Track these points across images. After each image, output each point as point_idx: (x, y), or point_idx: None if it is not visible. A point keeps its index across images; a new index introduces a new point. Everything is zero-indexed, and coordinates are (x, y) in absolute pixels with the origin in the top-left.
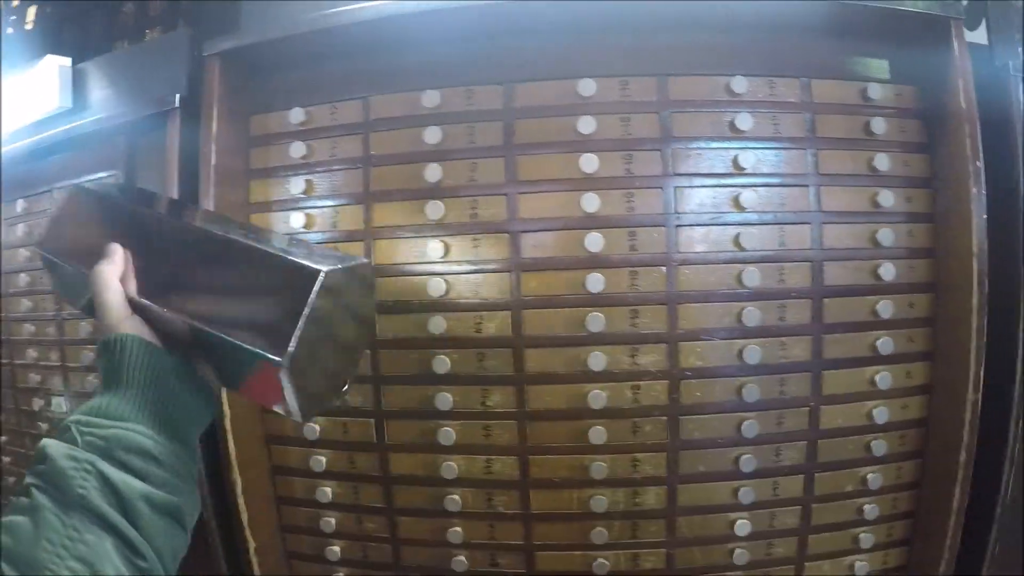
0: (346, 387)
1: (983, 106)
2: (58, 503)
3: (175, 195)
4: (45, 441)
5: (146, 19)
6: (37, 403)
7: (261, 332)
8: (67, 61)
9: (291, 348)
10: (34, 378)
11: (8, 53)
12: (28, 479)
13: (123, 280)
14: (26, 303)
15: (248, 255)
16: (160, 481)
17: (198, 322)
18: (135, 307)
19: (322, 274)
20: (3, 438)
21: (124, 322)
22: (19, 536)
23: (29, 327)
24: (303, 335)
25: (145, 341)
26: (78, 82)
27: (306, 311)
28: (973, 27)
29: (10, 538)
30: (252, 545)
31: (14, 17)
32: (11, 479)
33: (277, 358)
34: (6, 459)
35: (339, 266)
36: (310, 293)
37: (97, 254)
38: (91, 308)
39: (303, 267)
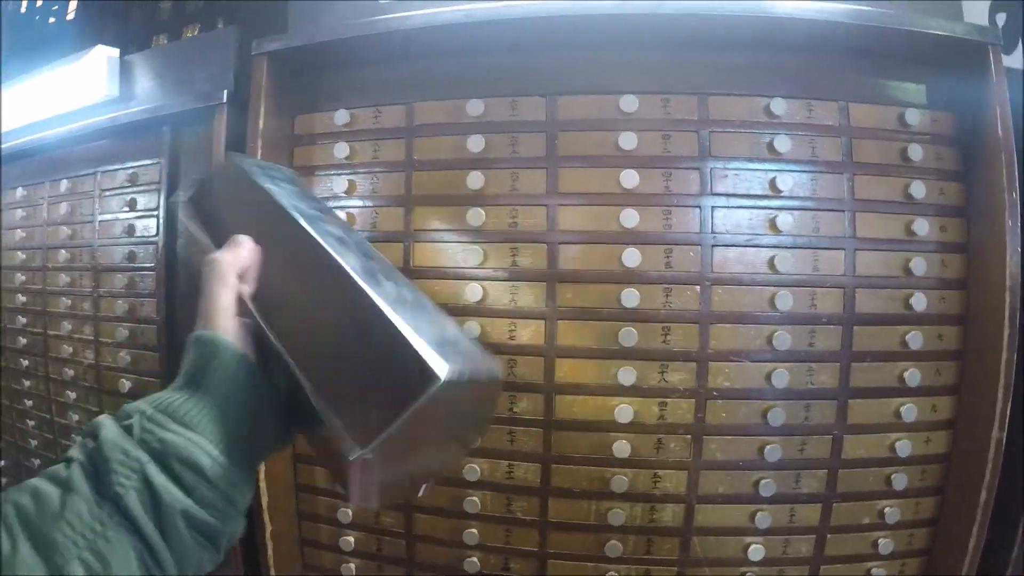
0: (423, 489)
1: (1020, 134)
2: (93, 490)
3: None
4: (102, 419)
5: (184, 16)
6: (68, 373)
7: (351, 409)
8: (115, 52)
9: (373, 445)
10: (67, 349)
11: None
12: (73, 451)
13: (242, 276)
14: (64, 278)
15: (373, 315)
16: (207, 502)
17: (295, 362)
18: (243, 310)
19: (441, 381)
20: (3, 462)
21: (226, 323)
22: (43, 506)
23: (65, 300)
24: (392, 436)
25: (241, 354)
26: (125, 73)
27: (406, 415)
28: (1009, 51)
29: (33, 504)
30: (268, 529)
31: (56, 7)
32: (33, 442)
33: (354, 448)
34: (30, 423)
35: (465, 373)
36: (420, 396)
37: (230, 236)
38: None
39: (424, 362)
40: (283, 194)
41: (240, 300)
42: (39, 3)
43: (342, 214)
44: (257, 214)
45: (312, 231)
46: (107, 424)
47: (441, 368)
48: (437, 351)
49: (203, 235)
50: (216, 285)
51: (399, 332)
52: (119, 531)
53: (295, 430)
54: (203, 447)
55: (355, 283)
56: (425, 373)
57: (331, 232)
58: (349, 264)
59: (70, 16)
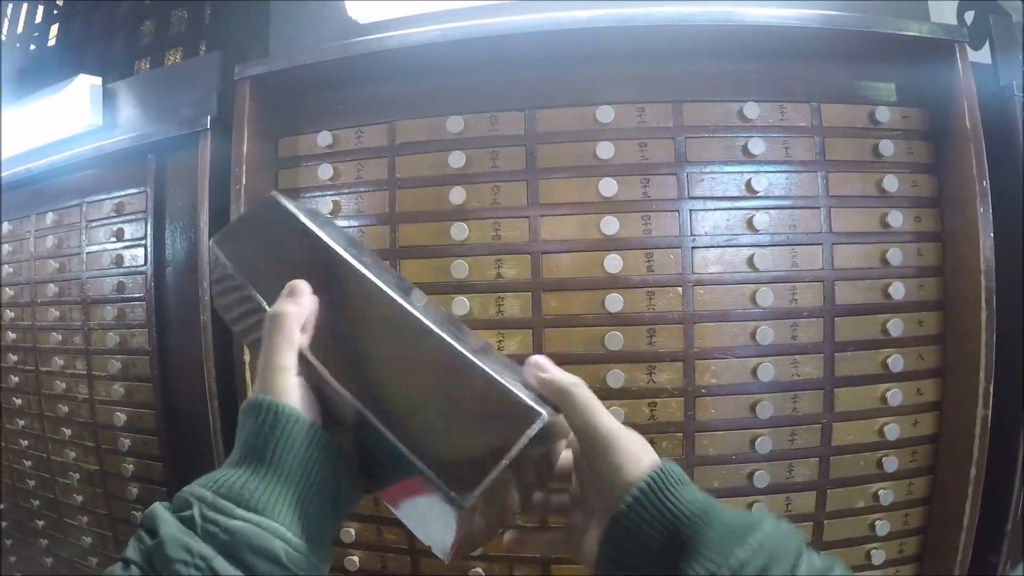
0: (501, 531)
1: (988, 126)
2: None
3: (206, 214)
4: (158, 510)
5: (167, 39)
6: (62, 409)
7: (447, 458)
8: (98, 80)
9: (479, 490)
10: (60, 385)
11: (32, 69)
12: (130, 551)
13: (302, 329)
14: (53, 312)
15: (460, 363)
16: None
17: (372, 413)
18: (303, 364)
19: (542, 418)
20: (1, 505)
21: (288, 385)
22: None
23: (56, 335)
24: (496, 480)
25: (308, 421)
26: (108, 101)
27: (511, 454)
28: (977, 47)
29: None
30: None
31: (36, 34)
32: (31, 482)
33: (458, 499)
34: (27, 463)
35: (554, 413)
36: (522, 435)
37: (275, 280)
38: (249, 336)
39: (525, 403)
40: (328, 234)
41: (301, 352)
42: (20, 30)
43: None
44: (305, 256)
45: (375, 278)
46: (165, 517)
47: (540, 408)
48: (528, 397)
49: (241, 279)
50: (281, 341)
51: (493, 378)
52: None
53: (368, 490)
54: (277, 532)
55: (437, 334)
56: (526, 413)
57: (390, 280)
58: (420, 312)
59: (51, 42)
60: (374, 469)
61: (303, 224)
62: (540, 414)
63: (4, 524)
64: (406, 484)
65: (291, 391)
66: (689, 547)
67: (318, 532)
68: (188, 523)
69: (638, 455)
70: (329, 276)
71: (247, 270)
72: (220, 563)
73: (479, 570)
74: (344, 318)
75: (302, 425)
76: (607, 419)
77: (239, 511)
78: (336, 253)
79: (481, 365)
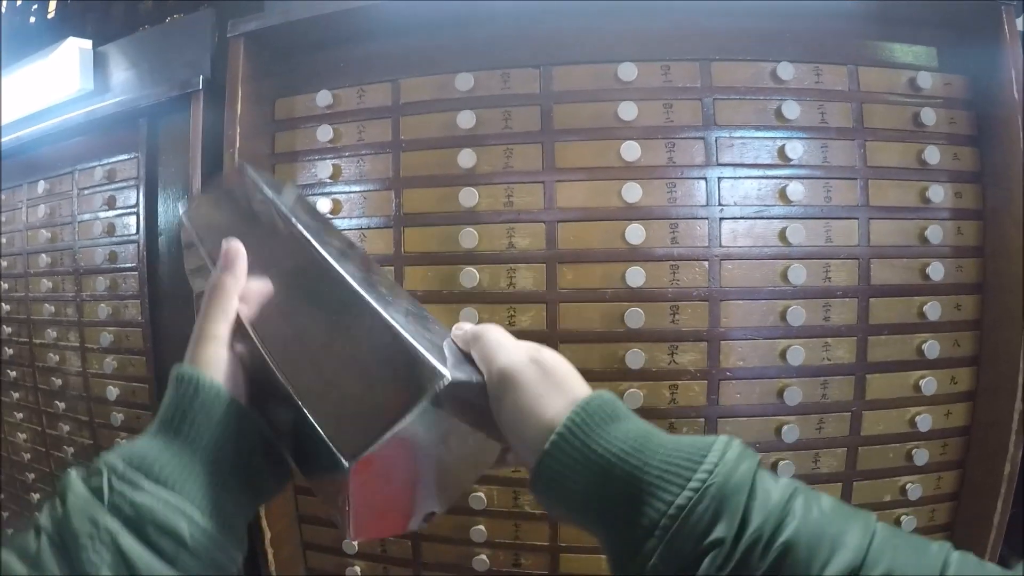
0: (423, 521)
1: None
2: (65, 568)
3: (199, 180)
4: (71, 477)
5: (166, 7)
6: (55, 382)
7: (345, 420)
8: (88, 43)
9: (366, 453)
10: (53, 357)
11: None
12: (43, 519)
13: (242, 298)
14: (46, 283)
15: (372, 322)
16: (191, 571)
17: (291, 384)
18: (238, 334)
19: (443, 380)
20: (5, 513)
21: (215, 355)
22: None
23: (49, 307)
24: (388, 445)
25: (226, 393)
26: (99, 65)
27: (404, 420)
28: (1022, 13)
29: None
30: (268, 535)
31: (36, 7)
32: (27, 455)
33: (344, 460)
34: (22, 435)
35: (474, 378)
36: (420, 398)
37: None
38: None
39: (427, 362)
40: (287, 205)
41: (239, 325)
42: (19, 2)
43: (328, 201)
44: (262, 228)
45: (313, 240)
46: (75, 486)
47: (445, 368)
48: (441, 355)
49: (202, 248)
50: (213, 310)
51: (400, 336)
52: None
53: (295, 471)
54: (182, 509)
55: (353, 289)
56: (427, 374)
57: (334, 244)
58: (348, 272)
59: (50, 15)
60: (303, 454)
61: (257, 188)
62: (443, 376)
63: (2, 496)
64: (322, 463)
65: (217, 363)
66: (628, 493)
67: (230, 514)
68: (97, 493)
69: (553, 395)
70: (275, 241)
71: (209, 239)
72: (125, 539)
73: (484, 557)
74: (280, 284)
75: (221, 399)
76: (515, 356)
77: (147, 483)
78: (283, 215)
79: (392, 323)
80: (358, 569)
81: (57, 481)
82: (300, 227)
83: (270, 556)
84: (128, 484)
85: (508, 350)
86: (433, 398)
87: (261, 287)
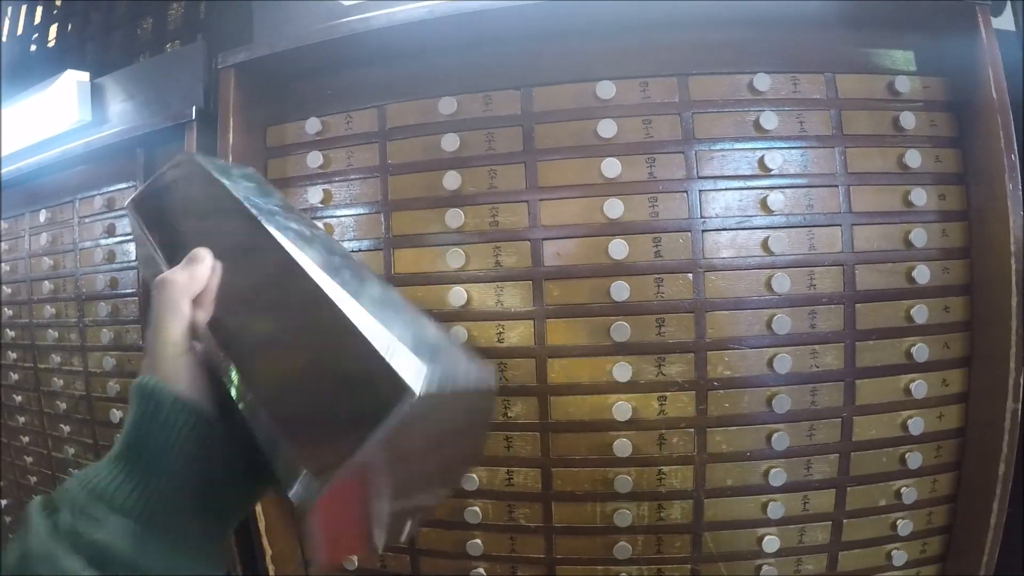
0: (406, 530)
1: (1015, 95)
2: None
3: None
4: (30, 513)
5: (165, 33)
6: (60, 406)
7: (307, 439)
8: (85, 76)
9: (325, 484)
10: (57, 382)
11: (32, 70)
12: (8, 553)
13: (198, 300)
14: (49, 309)
15: (334, 318)
16: None
17: (255, 393)
18: (199, 337)
19: (415, 397)
20: (4, 502)
21: (173, 364)
22: None
23: (52, 333)
24: (353, 469)
25: (189, 407)
26: (97, 96)
27: (365, 445)
28: (999, 12)
29: None
30: (269, 553)
31: (36, 35)
32: (33, 479)
33: (302, 488)
34: (28, 459)
35: (447, 384)
36: (386, 418)
37: (181, 242)
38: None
39: (395, 375)
40: (239, 188)
41: (195, 328)
42: (19, 31)
43: (320, 225)
44: (212, 215)
45: (268, 225)
46: (34, 524)
47: (416, 380)
48: (411, 359)
49: (152, 242)
50: (165, 313)
51: (364, 338)
52: None
53: (267, 485)
54: (147, 542)
55: (311, 279)
56: (396, 388)
57: (292, 228)
58: (310, 257)
59: (50, 43)
60: (268, 466)
61: (207, 175)
62: (411, 393)
63: (7, 520)
64: (283, 483)
65: (177, 373)
66: None
67: (199, 539)
68: (57, 529)
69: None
70: (229, 230)
71: (158, 232)
72: None
73: (481, 571)
74: (240, 279)
75: (182, 412)
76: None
77: (112, 519)
78: (234, 200)
79: (360, 319)
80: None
81: (21, 514)
82: (252, 210)
83: (272, 575)
84: (88, 518)
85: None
86: (406, 413)
87: (214, 282)
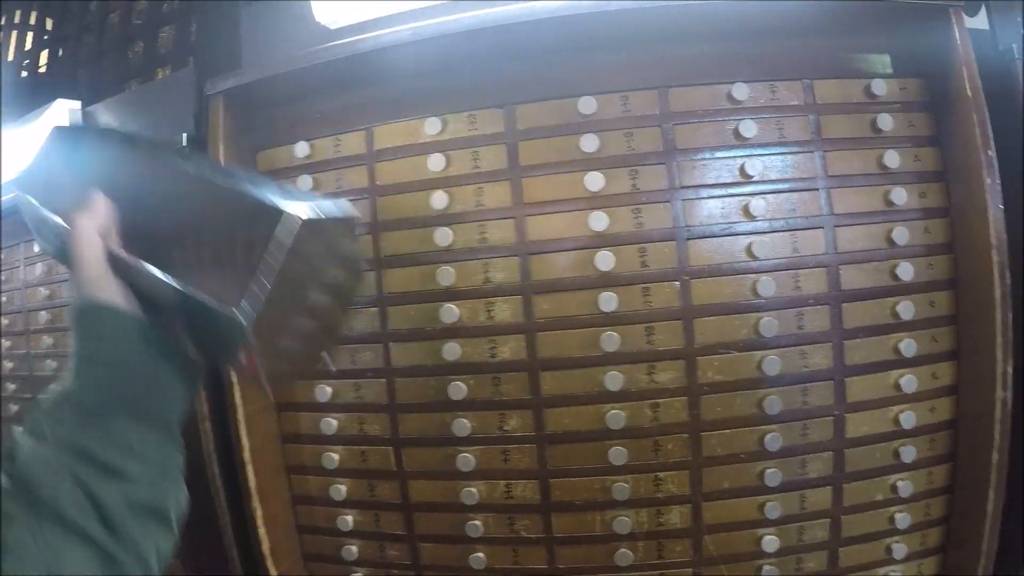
0: (328, 359)
1: (990, 93)
2: (30, 512)
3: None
4: (16, 434)
5: (156, 58)
6: None
7: (227, 287)
8: (76, 104)
9: (251, 300)
10: None
11: (23, 96)
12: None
13: (104, 234)
14: (47, 340)
15: (220, 195)
16: (142, 479)
17: (174, 278)
18: (116, 265)
19: (300, 220)
20: None
21: (102, 284)
22: None
23: (51, 363)
24: (264, 287)
25: (125, 312)
26: (88, 124)
27: (271, 259)
28: (973, 13)
29: None
30: (266, 545)
31: (27, 61)
32: None
33: (242, 318)
34: None
35: (320, 211)
36: (282, 239)
37: (74, 195)
38: (66, 258)
39: (276, 210)
40: (122, 129)
41: (111, 253)
42: (10, 57)
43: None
44: (99, 163)
45: (151, 149)
46: (21, 438)
47: (294, 210)
48: (285, 202)
49: (50, 213)
50: (82, 248)
51: (247, 195)
52: (70, 545)
53: (210, 360)
54: (118, 426)
55: (200, 177)
56: (280, 216)
57: (173, 151)
58: (191, 166)
59: (41, 69)
60: (206, 339)
61: (86, 137)
62: (295, 219)
63: None
64: (228, 340)
65: (105, 289)
66: None
67: (164, 420)
68: (39, 435)
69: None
70: (120, 176)
71: (50, 201)
72: (78, 468)
73: (481, 555)
74: (138, 205)
75: (122, 319)
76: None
77: (81, 416)
78: (118, 152)
79: (234, 186)
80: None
81: (6, 444)
82: (139, 140)
83: (271, 568)
84: (64, 421)
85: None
86: (293, 232)
87: (119, 214)
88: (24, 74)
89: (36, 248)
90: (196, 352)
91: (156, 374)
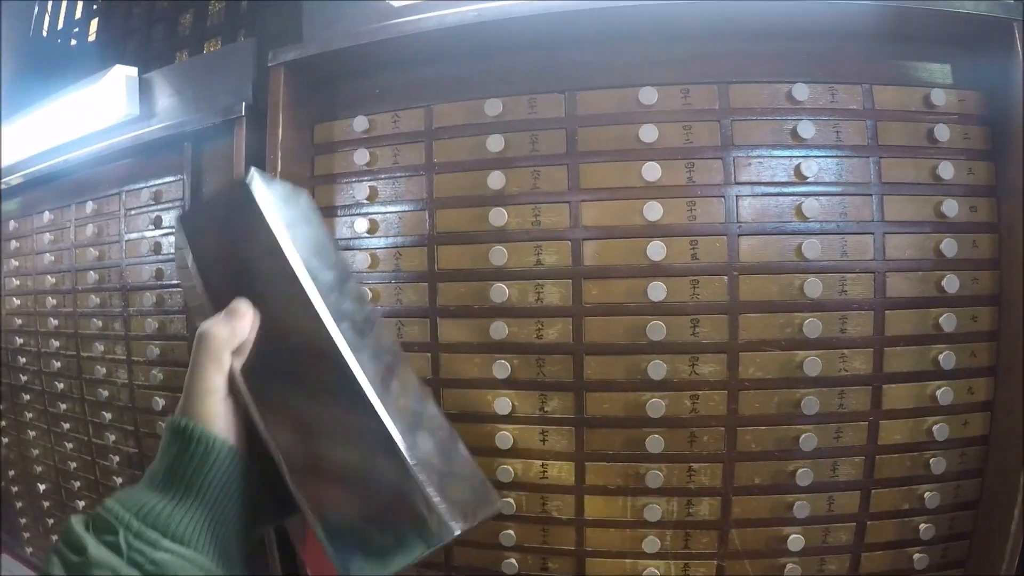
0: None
1: None
2: None
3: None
4: (79, 530)
5: (204, 29)
6: (102, 393)
7: (347, 537)
8: (134, 71)
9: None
10: (100, 370)
11: (74, 64)
12: (54, 568)
13: (237, 352)
14: (94, 299)
15: (384, 443)
16: None
17: (283, 460)
18: (233, 385)
19: (454, 535)
20: (43, 487)
21: (215, 410)
22: None
23: (96, 322)
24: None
25: (233, 450)
26: (144, 91)
27: (416, 559)
28: None
29: None
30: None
31: (77, 30)
32: (72, 464)
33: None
34: (68, 445)
35: (472, 521)
36: (429, 547)
37: (223, 279)
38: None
39: (440, 514)
40: (295, 243)
41: (231, 377)
42: (60, 26)
43: (365, 221)
44: (261, 264)
45: (326, 313)
46: (89, 541)
47: (456, 522)
48: (446, 499)
49: (194, 264)
50: (207, 363)
51: (414, 474)
52: None
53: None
54: (202, 566)
55: (366, 398)
56: (440, 525)
57: (346, 312)
58: (363, 368)
59: (91, 37)
60: (286, 508)
61: (264, 222)
62: (451, 531)
63: (47, 504)
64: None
65: (218, 418)
66: None
67: (235, 557)
68: (113, 548)
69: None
70: (276, 289)
71: (202, 258)
72: None
73: (513, 561)
74: (279, 343)
75: (227, 454)
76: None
77: (165, 542)
78: (288, 265)
79: (405, 456)
80: None
81: (61, 531)
82: (310, 287)
83: (308, 568)
84: (146, 543)
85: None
86: (444, 543)
87: (260, 338)
88: (74, 43)
89: (87, 210)
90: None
91: (240, 515)
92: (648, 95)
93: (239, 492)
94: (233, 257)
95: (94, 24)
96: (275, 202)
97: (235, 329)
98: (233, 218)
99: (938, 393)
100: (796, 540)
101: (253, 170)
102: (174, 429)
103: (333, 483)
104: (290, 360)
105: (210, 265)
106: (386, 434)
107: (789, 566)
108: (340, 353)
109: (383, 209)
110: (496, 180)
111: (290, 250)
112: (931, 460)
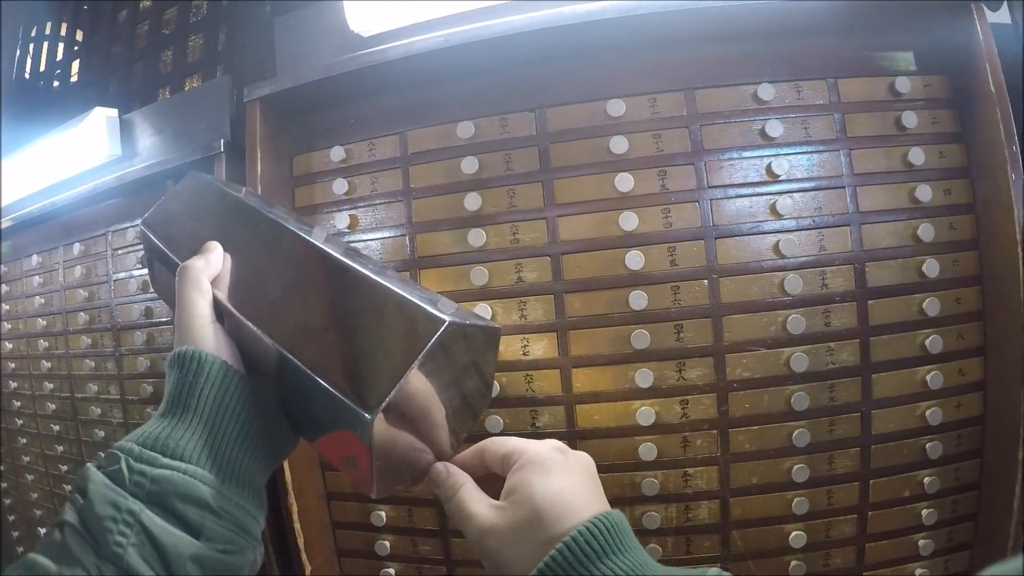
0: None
1: (1014, 88)
2: (92, 554)
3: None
4: (88, 469)
5: (185, 66)
6: (98, 434)
7: (356, 379)
8: (114, 112)
9: (385, 404)
10: (95, 410)
11: (56, 106)
12: (67, 512)
13: (215, 282)
14: (85, 340)
15: (363, 286)
16: (217, 536)
17: (288, 350)
18: (221, 314)
19: (445, 323)
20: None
21: (205, 332)
22: None
23: (89, 363)
24: (404, 390)
25: (225, 363)
26: (126, 131)
27: (416, 363)
28: (996, 7)
29: None
30: (308, 569)
31: (59, 71)
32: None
33: (363, 415)
34: (67, 487)
35: (466, 320)
36: (426, 342)
37: (194, 244)
38: (172, 297)
39: (427, 312)
40: (249, 199)
41: (217, 304)
42: (42, 68)
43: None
44: (225, 219)
45: (291, 226)
46: (94, 475)
47: (444, 313)
48: (432, 307)
49: (168, 253)
50: (190, 291)
51: (398, 294)
52: None
53: (304, 436)
54: (202, 478)
55: (343, 263)
56: (430, 321)
57: (304, 227)
58: (331, 248)
59: (74, 78)
60: (302, 418)
61: (219, 190)
62: (443, 321)
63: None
64: (330, 425)
65: (208, 338)
66: None
67: (249, 478)
68: (116, 477)
69: (562, 516)
70: (244, 229)
71: (171, 242)
72: (147, 516)
73: None
74: (255, 265)
75: (222, 370)
76: (539, 445)
77: (164, 460)
78: (250, 207)
79: (382, 282)
80: (392, 571)
81: (77, 474)
82: (270, 214)
83: (305, 563)
84: (145, 463)
85: (530, 442)
86: (440, 338)
87: (233, 269)
88: (56, 84)
89: (75, 251)
90: (290, 420)
91: (249, 431)
92: (616, 107)
93: (238, 407)
94: (202, 228)
95: (76, 65)
96: (224, 184)
97: (209, 259)
98: (194, 200)
99: (928, 378)
100: (798, 537)
101: (191, 172)
102: (170, 360)
103: (329, 337)
104: (265, 270)
105: (179, 242)
106: (359, 274)
107: (794, 563)
108: (333, 256)
109: (364, 236)
110: (473, 201)
111: (247, 200)
112: (927, 445)
